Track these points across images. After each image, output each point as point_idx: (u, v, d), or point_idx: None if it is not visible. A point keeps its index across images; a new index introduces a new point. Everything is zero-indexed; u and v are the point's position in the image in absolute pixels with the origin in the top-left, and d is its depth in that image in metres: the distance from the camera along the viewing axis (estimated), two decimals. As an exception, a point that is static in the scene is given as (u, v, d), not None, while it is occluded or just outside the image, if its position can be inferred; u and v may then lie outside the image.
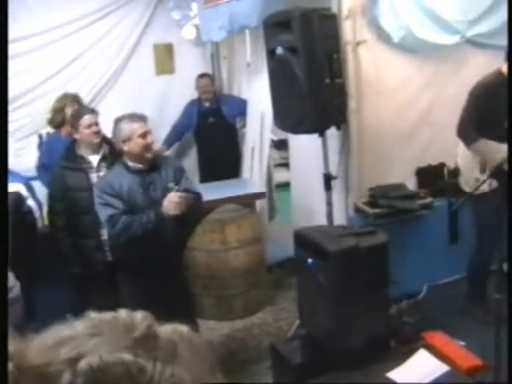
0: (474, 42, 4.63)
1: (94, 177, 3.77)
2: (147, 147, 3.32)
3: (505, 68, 3.83)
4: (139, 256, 3.25)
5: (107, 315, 0.72)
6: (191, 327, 0.75)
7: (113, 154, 3.79)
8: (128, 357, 0.64)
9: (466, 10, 4.48)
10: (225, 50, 6.03)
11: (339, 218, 4.29)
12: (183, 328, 0.74)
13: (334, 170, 4.16)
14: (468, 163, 4.06)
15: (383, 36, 4.23)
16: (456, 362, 3.11)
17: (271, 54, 3.99)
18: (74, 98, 4.67)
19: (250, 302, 4.68)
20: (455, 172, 4.73)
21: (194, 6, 5.48)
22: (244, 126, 5.74)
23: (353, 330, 3.47)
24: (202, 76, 5.82)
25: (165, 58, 5.93)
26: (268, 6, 3.96)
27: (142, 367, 0.64)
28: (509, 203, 2.63)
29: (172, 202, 3.19)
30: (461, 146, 4.11)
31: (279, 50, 3.87)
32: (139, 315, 0.71)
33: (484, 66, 4.83)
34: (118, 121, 3.33)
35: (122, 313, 0.72)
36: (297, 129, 4.02)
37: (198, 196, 3.50)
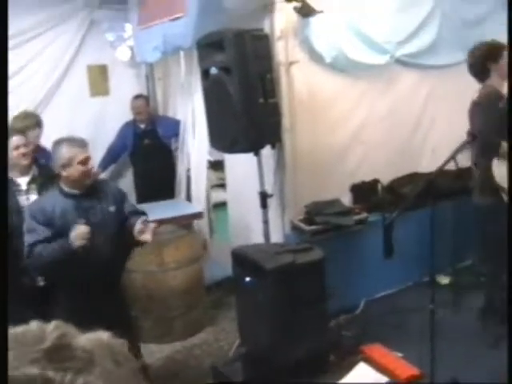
0: (402, 62, 4.80)
1: (23, 199, 3.67)
2: (87, 174, 3.23)
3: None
4: (74, 279, 3.19)
5: (19, 329, 0.70)
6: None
7: (43, 175, 3.70)
8: (33, 370, 0.63)
9: (394, 31, 4.65)
10: (159, 71, 6.03)
11: (276, 236, 4.33)
12: (103, 335, 0.73)
13: (269, 188, 4.21)
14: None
15: (315, 56, 4.32)
16: (395, 373, 3.18)
17: (205, 74, 4.02)
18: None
19: (189, 322, 4.64)
20: (388, 188, 4.87)
21: (128, 27, 5.48)
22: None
23: (292, 345, 3.50)
24: (136, 97, 5.79)
25: (99, 79, 5.88)
26: (201, 27, 3.99)
27: (49, 379, 0.63)
28: (509, 206, 2.71)
29: (145, 231, 3.17)
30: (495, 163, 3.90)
31: (213, 71, 3.90)
32: (51, 326, 0.70)
33: (412, 84, 5.03)
34: (57, 144, 3.21)
35: (33, 325, 0.70)
36: (232, 149, 4.04)
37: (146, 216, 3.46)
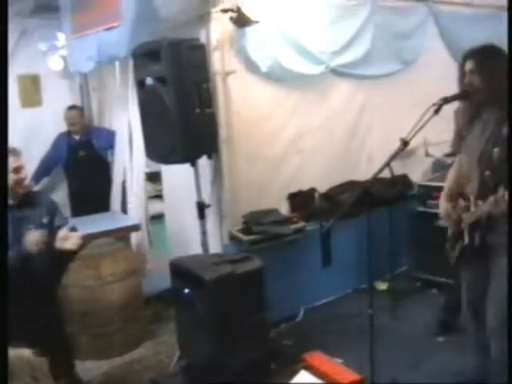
0: (337, 72, 4.88)
1: None
2: (19, 182, 3.19)
3: None
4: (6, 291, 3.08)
5: None
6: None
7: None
8: None
9: (329, 42, 4.73)
10: (94, 81, 5.92)
11: (214, 247, 4.31)
12: (25, 352, 0.73)
13: (207, 198, 4.18)
14: None
15: (251, 66, 4.34)
16: (336, 379, 3.20)
17: (141, 84, 3.97)
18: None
19: (128, 337, 4.55)
20: (325, 196, 4.92)
21: (61, 36, 5.35)
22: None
23: (233, 356, 3.47)
24: (70, 108, 5.67)
25: (30, 90, 5.72)
26: (137, 36, 3.94)
27: None
28: (509, 210, 2.74)
29: (68, 239, 3.10)
30: None
31: (149, 81, 3.86)
32: None
33: (348, 94, 5.12)
34: None
35: None
36: (168, 159, 4.00)
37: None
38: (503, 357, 3.14)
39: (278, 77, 4.52)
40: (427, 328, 4.38)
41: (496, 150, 2.93)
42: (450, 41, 5.74)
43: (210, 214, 4.26)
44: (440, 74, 5.41)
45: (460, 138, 3.24)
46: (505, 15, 6.34)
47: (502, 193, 2.66)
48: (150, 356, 4.45)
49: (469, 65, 2.96)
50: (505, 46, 3.04)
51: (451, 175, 3.39)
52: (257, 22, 4.11)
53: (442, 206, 3.27)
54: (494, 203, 2.78)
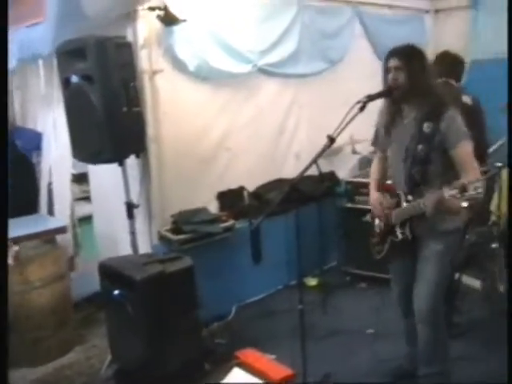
0: (265, 71, 4.92)
1: None
2: None
3: None
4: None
5: None
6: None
7: None
8: None
9: (257, 41, 4.76)
10: (17, 79, 5.74)
11: (144, 247, 4.27)
12: None
13: (135, 198, 4.13)
14: None
15: (179, 65, 4.31)
16: (269, 375, 3.21)
17: (66, 83, 3.88)
18: None
19: (58, 342, 4.42)
20: (254, 194, 4.95)
21: (-20, 33, 5.16)
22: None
23: (165, 356, 3.45)
24: (-10, 108, 5.47)
25: None
26: (61, 33, 3.84)
27: None
28: (509, 211, 2.77)
29: None
30: None
31: (74, 79, 3.78)
32: None
33: (275, 92, 5.17)
34: None
35: None
36: (95, 159, 3.91)
37: None
38: (430, 344, 3.26)
39: (206, 76, 4.51)
40: (357, 321, 4.48)
41: (420, 146, 3.02)
42: (375, 40, 5.89)
43: (139, 214, 4.21)
44: (365, 73, 5.56)
45: (381, 134, 3.34)
46: (425, 17, 6.61)
47: (448, 193, 2.72)
48: (82, 361, 4.35)
49: (392, 62, 3.05)
50: (425, 46, 3.16)
51: (374, 169, 3.50)
52: (184, 20, 4.09)
53: (373, 195, 3.36)
54: (437, 203, 2.84)
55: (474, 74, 6.06)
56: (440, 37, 6.51)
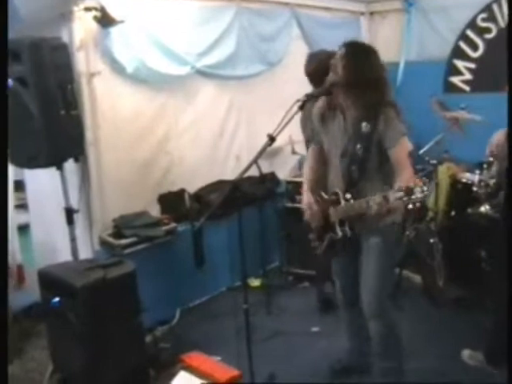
0: (203, 73, 4.90)
1: None
2: None
3: None
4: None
5: None
6: None
7: None
8: None
9: (195, 43, 4.74)
10: None
11: (85, 253, 4.18)
12: None
13: (75, 204, 4.04)
14: None
15: (117, 67, 4.25)
16: (215, 377, 3.22)
17: (0, 86, 3.76)
18: None
19: (-5, 355, 4.29)
20: (195, 196, 4.93)
21: None
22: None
23: (109, 364, 3.38)
24: None
25: None
26: (-7, 36, 3.73)
27: None
28: (509, 206, 2.76)
29: None
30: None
31: (9, 82, 3.66)
32: None
33: (214, 95, 5.16)
34: None
35: None
36: (33, 163, 3.79)
37: None
38: (382, 339, 3.32)
39: (145, 78, 4.46)
40: (301, 320, 4.52)
41: (359, 145, 3.07)
42: (312, 43, 5.95)
43: (79, 219, 4.12)
44: (303, 75, 5.61)
45: (316, 130, 3.36)
46: (362, 19, 6.74)
47: (394, 196, 2.76)
48: (21, 374, 4.22)
49: (333, 60, 3.08)
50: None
51: (307, 168, 3.51)
52: (121, 21, 4.03)
53: (305, 197, 3.37)
54: (382, 205, 2.85)
55: (407, 75, 6.24)
56: (375, 39, 6.65)
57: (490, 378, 3.53)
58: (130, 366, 3.48)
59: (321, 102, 3.29)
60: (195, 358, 3.52)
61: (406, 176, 2.93)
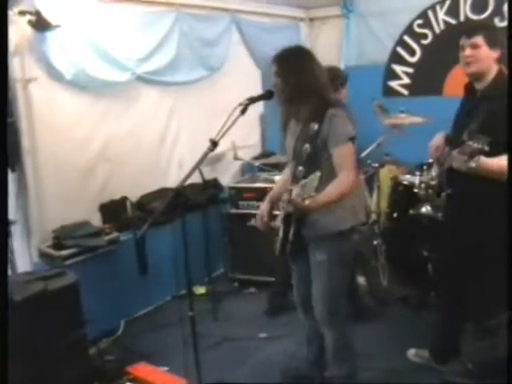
0: (144, 79, 4.84)
1: None
2: None
3: None
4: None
5: None
6: None
7: None
8: None
9: (135, 49, 4.67)
10: None
11: (23, 266, 4.05)
12: None
13: (12, 214, 3.91)
14: None
15: (54, 73, 4.13)
16: (162, 388, 3.17)
17: None
18: None
19: None
20: (138, 204, 4.85)
21: None
22: None
23: (52, 379, 3.27)
24: None
25: None
26: None
27: None
28: (509, 208, 2.74)
29: None
30: None
31: None
32: None
33: (155, 101, 5.10)
34: None
35: None
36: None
37: None
38: (334, 346, 3.32)
39: (84, 84, 4.36)
40: (248, 326, 4.50)
41: (306, 146, 3.08)
42: (253, 48, 5.97)
43: (16, 231, 3.99)
44: (245, 81, 5.62)
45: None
46: (300, 25, 6.80)
47: (294, 193, 2.80)
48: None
49: (273, 67, 3.08)
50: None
51: (279, 180, 3.55)
52: (58, 26, 3.92)
53: (262, 206, 3.37)
54: (289, 202, 2.92)
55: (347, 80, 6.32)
56: (315, 44, 6.72)
57: (436, 375, 3.59)
58: (74, 380, 3.37)
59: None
60: (141, 369, 3.45)
61: (341, 178, 2.96)
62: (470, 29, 3.25)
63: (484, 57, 3.09)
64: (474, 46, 3.10)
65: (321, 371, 3.64)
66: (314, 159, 3.05)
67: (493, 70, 3.12)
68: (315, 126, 3.02)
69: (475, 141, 2.55)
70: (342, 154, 3.00)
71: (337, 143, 2.99)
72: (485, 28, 3.18)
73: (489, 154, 2.68)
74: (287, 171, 3.45)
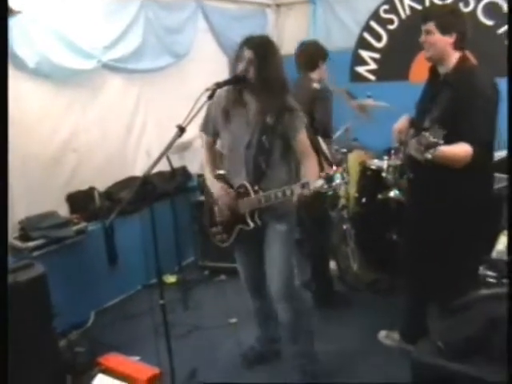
0: (110, 67, 4.77)
1: None
2: None
3: None
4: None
5: None
6: None
7: None
8: None
9: (100, 36, 4.60)
10: None
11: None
12: None
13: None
14: None
15: (17, 62, 4.03)
16: (135, 377, 3.15)
17: None
18: None
19: None
20: (106, 194, 4.80)
21: None
22: None
23: (22, 373, 3.22)
24: None
25: None
26: None
27: None
28: (509, 203, 2.73)
29: None
30: None
31: None
32: None
33: (122, 89, 5.04)
34: None
35: None
36: None
37: None
38: (291, 324, 3.35)
39: (48, 73, 4.26)
40: (220, 313, 4.51)
41: (264, 137, 3.08)
42: (220, 35, 5.94)
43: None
44: (211, 68, 5.58)
45: (215, 120, 3.31)
46: (268, 11, 6.77)
47: (315, 184, 2.77)
48: None
49: (244, 52, 3.06)
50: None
51: (208, 157, 3.47)
52: (19, 12, 3.82)
53: (215, 184, 3.32)
54: (303, 195, 2.86)
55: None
56: (282, 30, 6.71)
57: (406, 355, 3.64)
58: (44, 374, 3.33)
59: (224, 95, 3.24)
60: (113, 359, 3.42)
61: (308, 164, 3.04)
62: (423, 15, 3.31)
63: (437, 42, 3.15)
64: (428, 32, 3.17)
65: (276, 349, 3.75)
66: (273, 149, 3.10)
67: (451, 55, 3.16)
68: (274, 118, 3.05)
69: (431, 133, 2.58)
70: (304, 141, 3.14)
71: (298, 132, 3.10)
72: (436, 14, 3.21)
73: (447, 142, 2.71)
74: (208, 148, 3.45)
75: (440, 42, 3.14)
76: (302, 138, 3.12)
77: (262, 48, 3.07)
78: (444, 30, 3.12)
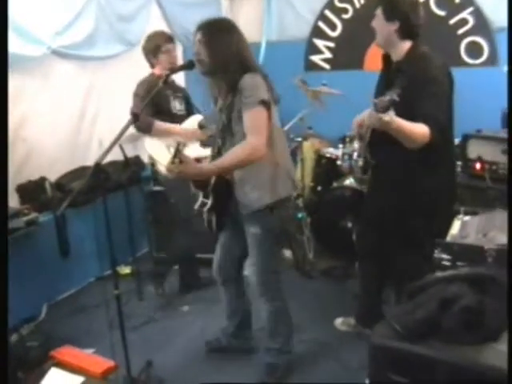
0: (60, 53, 4.67)
1: None
2: None
3: (157, 70, 4.38)
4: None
5: None
6: None
7: None
8: None
9: (50, 22, 4.49)
10: None
11: None
12: None
13: None
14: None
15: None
16: (89, 370, 3.07)
17: None
18: None
19: None
20: (57, 184, 4.69)
21: None
22: None
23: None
24: None
25: None
26: None
27: None
28: (509, 201, 2.69)
29: None
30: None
31: None
32: None
33: (73, 76, 4.94)
34: None
35: None
36: None
37: None
38: (268, 319, 3.34)
39: (-5, 59, 4.14)
40: (173, 303, 4.50)
41: (224, 115, 3.06)
42: (173, 23, 5.88)
43: None
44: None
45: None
46: (221, 1, 6.71)
47: None
48: None
49: (197, 36, 3.02)
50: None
51: None
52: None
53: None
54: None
55: (269, 56, 6.31)
56: (237, 19, 6.64)
57: (364, 342, 3.67)
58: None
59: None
60: (66, 352, 3.33)
61: (247, 141, 2.88)
62: (375, 1, 3.33)
63: (382, 28, 3.20)
64: (375, 17, 3.23)
65: (244, 344, 3.71)
66: (232, 130, 3.03)
67: (398, 42, 3.19)
68: (232, 94, 2.98)
69: (387, 94, 2.60)
70: (251, 119, 2.90)
71: (247, 108, 2.90)
72: (384, 0, 3.23)
73: None
74: None
75: (384, 28, 3.18)
76: (250, 115, 2.89)
77: (209, 27, 3.01)
78: (388, 17, 3.15)
